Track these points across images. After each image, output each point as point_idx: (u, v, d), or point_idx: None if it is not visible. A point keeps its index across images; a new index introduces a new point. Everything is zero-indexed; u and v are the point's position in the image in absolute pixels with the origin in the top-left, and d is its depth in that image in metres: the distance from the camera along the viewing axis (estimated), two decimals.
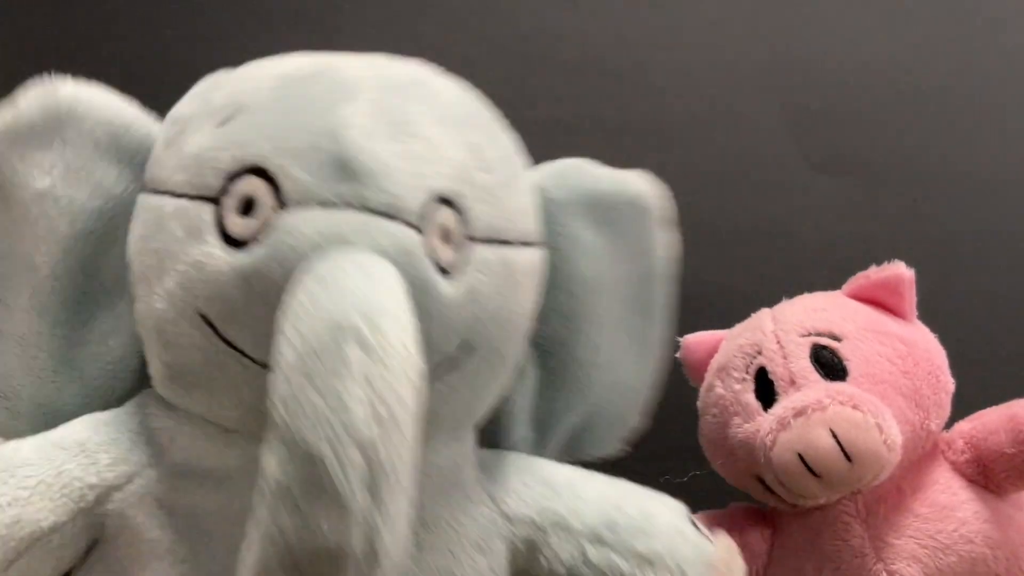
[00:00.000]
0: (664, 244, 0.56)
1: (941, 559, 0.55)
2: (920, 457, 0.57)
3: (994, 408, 0.58)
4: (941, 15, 0.80)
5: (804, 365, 0.56)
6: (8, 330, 0.47)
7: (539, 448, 0.55)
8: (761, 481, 0.58)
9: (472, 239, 0.45)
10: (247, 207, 0.42)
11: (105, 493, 0.45)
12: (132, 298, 0.47)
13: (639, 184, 0.55)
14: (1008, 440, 0.55)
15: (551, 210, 0.51)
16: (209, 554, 0.45)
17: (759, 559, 0.60)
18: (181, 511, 0.45)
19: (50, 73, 0.49)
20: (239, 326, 0.42)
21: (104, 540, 0.46)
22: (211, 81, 0.48)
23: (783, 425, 0.53)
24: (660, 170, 0.81)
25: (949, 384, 0.58)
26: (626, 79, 0.82)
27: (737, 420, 0.58)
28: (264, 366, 0.41)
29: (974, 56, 0.80)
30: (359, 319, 0.37)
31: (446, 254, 0.43)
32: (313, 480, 0.35)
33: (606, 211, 0.53)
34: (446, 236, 0.43)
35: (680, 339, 0.65)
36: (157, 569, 0.45)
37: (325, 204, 0.41)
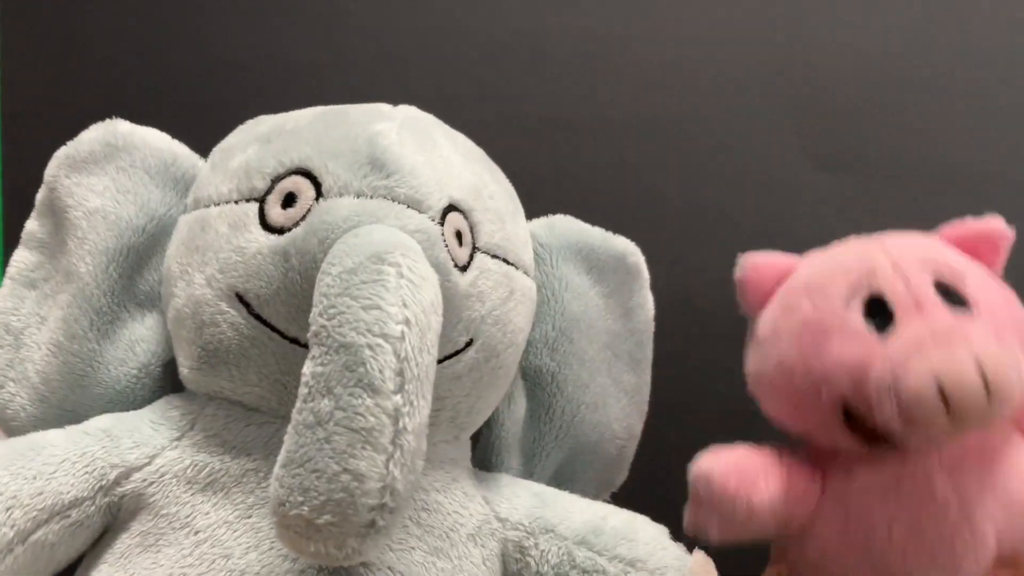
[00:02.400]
0: (649, 305, 0.61)
1: (1017, 524, 0.52)
2: None
3: None
4: (943, 12, 0.80)
5: (930, 294, 0.51)
6: (44, 340, 0.51)
7: (525, 478, 0.58)
8: (847, 414, 0.53)
9: (479, 249, 0.50)
10: (288, 202, 0.48)
11: (125, 473, 0.48)
12: (165, 303, 0.51)
13: (627, 245, 0.60)
14: None
15: (542, 254, 0.57)
16: (226, 525, 0.46)
17: (806, 506, 0.55)
18: (200, 483, 0.48)
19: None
20: (273, 302, 0.47)
21: (115, 527, 0.48)
22: (254, 120, 0.54)
23: (920, 349, 0.48)
24: (659, 167, 0.81)
25: None
26: (625, 76, 0.81)
27: (839, 343, 0.52)
28: (293, 341, 0.47)
29: (976, 53, 0.79)
30: (393, 248, 0.42)
31: (458, 252, 0.49)
32: (348, 367, 0.39)
33: (594, 262, 0.58)
34: (459, 237, 0.49)
35: (741, 256, 0.59)
36: (173, 541, 0.46)
37: (359, 194, 0.47)
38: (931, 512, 0.51)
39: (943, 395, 0.47)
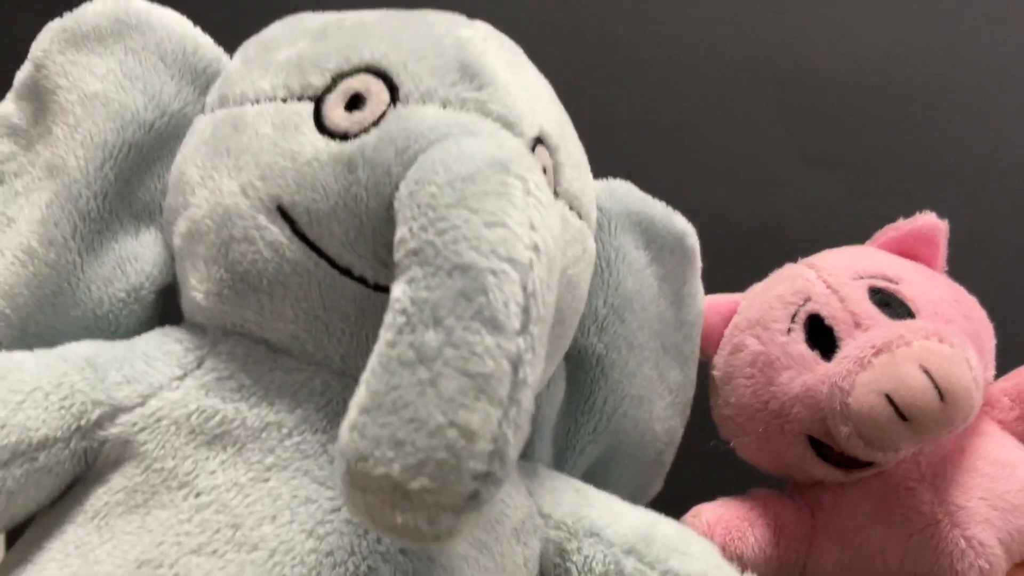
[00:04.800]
0: (701, 296, 0.55)
1: (1011, 522, 0.49)
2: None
3: None
4: (936, 8, 0.81)
5: (867, 306, 0.50)
6: (11, 246, 0.42)
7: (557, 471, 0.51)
8: (814, 445, 0.51)
9: (559, 195, 0.43)
10: (353, 104, 0.40)
11: (111, 413, 0.38)
12: (172, 215, 0.43)
13: (687, 225, 0.54)
14: None
15: (600, 219, 0.50)
16: (237, 488, 0.37)
17: (800, 545, 0.52)
18: (207, 435, 0.38)
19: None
20: (327, 221, 0.38)
21: (88, 479, 0.39)
22: (295, 16, 0.45)
23: (862, 365, 0.47)
24: (653, 164, 0.80)
25: (994, 337, 0.54)
26: (619, 74, 0.81)
27: (788, 374, 0.51)
28: (344, 272, 0.39)
29: (968, 50, 0.81)
30: (518, 158, 0.34)
31: None
32: (465, 294, 0.31)
33: (653, 237, 0.52)
34: (545, 173, 0.40)
35: None
36: (168, 503, 0.37)
37: (446, 103, 0.39)
38: (919, 528, 0.49)
39: (895, 408, 0.45)
